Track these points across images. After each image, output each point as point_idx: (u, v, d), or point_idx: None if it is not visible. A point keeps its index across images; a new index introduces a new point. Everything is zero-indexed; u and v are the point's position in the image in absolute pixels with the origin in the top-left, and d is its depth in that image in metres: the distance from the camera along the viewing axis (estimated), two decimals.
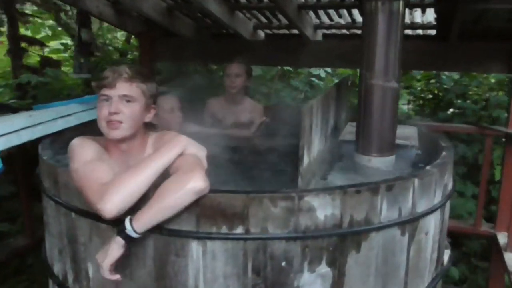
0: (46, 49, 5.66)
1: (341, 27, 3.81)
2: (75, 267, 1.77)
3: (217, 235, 1.49)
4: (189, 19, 4.10)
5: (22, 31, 5.63)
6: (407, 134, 2.38)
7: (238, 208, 1.47)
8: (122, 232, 1.42)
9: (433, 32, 3.70)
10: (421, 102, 5.42)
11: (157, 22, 3.82)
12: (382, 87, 1.92)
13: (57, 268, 1.91)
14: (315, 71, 5.38)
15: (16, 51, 4.74)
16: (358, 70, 4.74)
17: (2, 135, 2.01)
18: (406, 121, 2.86)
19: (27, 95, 4.57)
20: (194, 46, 4.17)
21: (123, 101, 1.63)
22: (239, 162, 2.46)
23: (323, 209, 1.50)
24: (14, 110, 2.71)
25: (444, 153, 2.04)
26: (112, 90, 1.61)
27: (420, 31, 3.81)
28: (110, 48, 5.78)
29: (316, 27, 3.84)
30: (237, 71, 3.14)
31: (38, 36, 5.48)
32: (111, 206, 1.39)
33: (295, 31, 3.93)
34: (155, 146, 1.74)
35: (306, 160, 1.74)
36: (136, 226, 1.41)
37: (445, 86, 5.04)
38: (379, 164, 1.98)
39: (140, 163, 1.50)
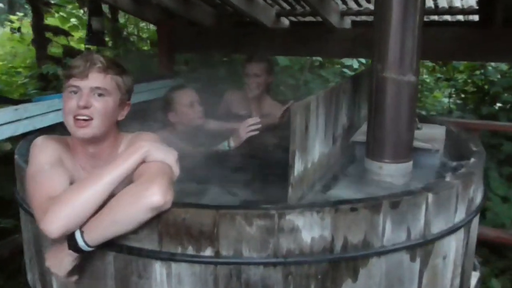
0: (74, 41, 5.62)
1: (370, 13, 3.47)
2: (42, 278, 1.61)
3: (182, 257, 1.27)
4: (209, 7, 3.88)
5: (52, 21, 5.62)
6: (433, 135, 2.06)
7: (207, 226, 1.24)
8: (73, 246, 1.24)
9: (475, 17, 3.29)
10: (463, 95, 4.96)
11: (176, 10, 3.62)
12: (397, 81, 1.61)
13: (29, 277, 1.76)
14: (347, 61, 5.04)
15: (40, 41, 4.69)
16: None
17: None
18: (436, 118, 2.51)
19: (49, 86, 4.51)
20: (214, 35, 3.96)
21: (95, 94, 1.43)
22: (241, 164, 2.21)
23: (309, 230, 1.25)
24: (14, 102, 2.60)
25: (472, 159, 1.72)
26: (83, 81, 1.40)
27: (460, 17, 3.41)
28: (132, 38, 5.65)
29: (343, 14, 3.51)
30: (256, 71, 2.93)
31: (66, 26, 5.42)
32: (54, 227, 1.20)
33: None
34: (128, 147, 1.53)
35: (299, 168, 1.48)
36: (88, 239, 1.22)
37: (490, 79, 4.57)
38: (392, 172, 1.69)
39: (92, 175, 1.30)
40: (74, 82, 1.40)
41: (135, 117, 2.85)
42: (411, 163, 1.73)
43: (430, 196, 1.37)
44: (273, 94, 3.67)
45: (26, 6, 4.53)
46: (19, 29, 6.20)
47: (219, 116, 3.12)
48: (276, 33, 3.75)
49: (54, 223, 1.20)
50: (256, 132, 2.32)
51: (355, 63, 5.07)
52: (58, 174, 1.37)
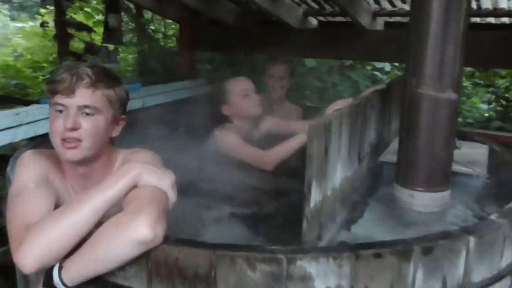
0: (99, 36, 5.52)
1: (405, 14, 3.21)
2: None
3: None
4: (232, 5, 3.69)
5: (78, 17, 5.55)
6: (473, 156, 1.82)
7: (202, 269, 1.06)
8: (47, 283, 1.07)
9: None
10: (504, 102, 4.62)
11: (198, 8, 3.45)
12: (434, 99, 1.39)
13: None
14: (378, 64, 4.77)
15: (62, 36, 4.61)
16: None
17: None
18: (475, 133, 2.24)
19: None
20: (238, 34, 3.76)
21: (83, 113, 1.26)
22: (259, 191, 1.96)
23: (323, 279, 1.05)
24: (24, 103, 2.49)
25: None
26: (70, 99, 1.24)
27: (506, 19, 3.11)
28: (157, 35, 5.51)
29: (376, 14, 3.26)
30: (282, 73, 2.87)
31: (90, 22, 5.34)
32: (28, 261, 1.04)
33: None
34: (122, 166, 1.36)
35: (317, 197, 1.28)
36: (66, 277, 1.06)
37: None
38: (425, 202, 1.47)
39: (73, 200, 1.14)
40: (59, 99, 1.24)
41: (154, 121, 2.77)
42: (448, 192, 1.50)
43: (472, 240, 1.15)
44: (296, 98, 3.48)
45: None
46: (42, 24, 6.16)
47: None
48: (303, 33, 3.53)
49: (29, 256, 1.05)
50: None
51: (387, 66, 4.80)
52: (42, 195, 1.21)
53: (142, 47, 5.43)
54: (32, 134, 1.98)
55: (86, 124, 1.26)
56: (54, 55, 5.64)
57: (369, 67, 5.18)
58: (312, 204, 1.25)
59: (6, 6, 14.49)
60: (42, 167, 1.29)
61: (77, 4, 5.10)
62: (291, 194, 1.82)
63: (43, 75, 5.11)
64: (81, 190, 1.35)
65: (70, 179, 1.36)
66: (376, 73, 4.82)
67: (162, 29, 6.14)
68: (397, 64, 4.90)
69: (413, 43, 1.40)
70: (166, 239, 1.08)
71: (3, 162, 1.84)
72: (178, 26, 6.08)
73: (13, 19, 13.35)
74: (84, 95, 1.25)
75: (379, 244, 1.11)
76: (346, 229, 1.48)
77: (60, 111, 1.26)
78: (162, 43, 5.79)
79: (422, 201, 1.47)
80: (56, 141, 1.27)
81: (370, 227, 1.48)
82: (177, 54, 5.37)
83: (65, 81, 1.23)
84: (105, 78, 1.30)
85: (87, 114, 1.26)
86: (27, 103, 2.47)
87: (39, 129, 2.01)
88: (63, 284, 1.05)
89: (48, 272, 1.07)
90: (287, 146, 2.14)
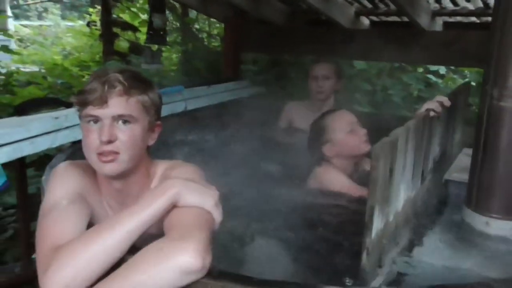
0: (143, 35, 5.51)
1: (468, 13, 2.96)
2: None
3: None
4: (280, 4, 3.54)
5: (124, 16, 5.55)
6: None
7: None
8: None
9: None
10: None
11: (245, 7, 3.33)
12: None
13: None
14: (432, 66, 4.48)
15: (107, 36, 4.61)
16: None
17: (9, 144, 1.67)
18: None
19: None
20: (286, 34, 3.61)
21: (118, 122, 1.15)
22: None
23: None
24: (67, 104, 2.44)
25: None
26: (103, 110, 1.13)
27: None
28: (202, 35, 5.43)
29: (435, 14, 3.03)
30: (326, 72, 2.70)
31: (136, 21, 5.32)
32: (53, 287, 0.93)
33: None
34: (161, 181, 1.25)
35: (378, 226, 1.12)
36: None
37: None
38: (504, 232, 1.27)
39: (106, 221, 1.03)
40: (91, 111, 1.14)
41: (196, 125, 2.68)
42: None
43: None
44: (345, 102, 3.30)
45: None
46: (88, 24, 6.22)
47: (279, 130, 2.84)
48: (355, 34, 3.34)
49: (54, 282, 0.94)
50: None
51: (442, 68, 4.51)
52: (75, 213, 1.12)
53: (186, 46, 5.38)
54: (71, 139, 1.91)
55: (123, 135, 1.15)
56: (100, 54, 5.68)
57: (421, 69, 4.91)
58: (373, 233, 1.09)
59: (58, 5, 15.01)
60: (76, 181, 1.20)
61: (124, 4, 5.09)
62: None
63: (89, 74, 5.14)
64: (118, 206, 1.25)
65: (106, 194, 1.26)
66: (430, 76, 4.53)
67: (207, 28, 6.08)
68: (452, 67, 4.62)
69: (495, 49, 1.21)
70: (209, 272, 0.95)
71: (47, 161, 1.79)
72: (222, 26, 6.08)
73: (64, 18, 13.80)
74: (117, 104, 1.14)
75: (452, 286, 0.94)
76: (407, 255, 1.31)
77: (94, 122, 1.15)
78: (206, 43, 5.71)
79: (499, 230, 1.27)
80: (91, 156, 1.16)
81: (435, 254, 1.30)
82: (221, 54, 5.30)
83: (96, 91, 1.13)
84: (138, 83, 1.19)
85: (123, 123, 1.16)
86: (68, 105, 2.42)
87: (78, 135, 1.92)
88: None
89: None
90: None
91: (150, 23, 3.01)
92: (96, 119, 1.15)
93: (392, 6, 3.08)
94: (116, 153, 1.15)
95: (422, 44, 3.02)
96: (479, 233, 1.30)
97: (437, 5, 2.98)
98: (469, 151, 1.93)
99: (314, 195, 1.90)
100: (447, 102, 1.59)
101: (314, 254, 1.32)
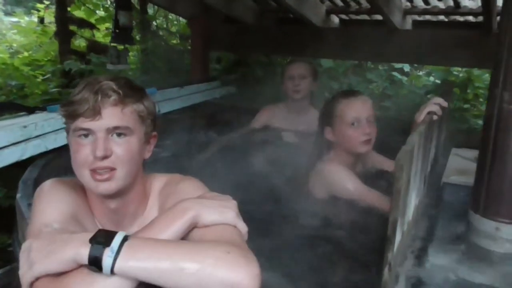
0: (100, 33, 5.28)
1: (438, 12, 3.00)
2: None
3: None
4: (250, 1, 3.47)
5: (78, 13, 5.29)
6: None
7: None
8: (95, 247, 0.83)
9: None
10: None
11: (213, 5, 3.23)
12: None
13: None
14: (397, 64, 4.54)
15: (63, 34, 4.37)
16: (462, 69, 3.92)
17: None
18: None
19: (72, 83, 4.18)
20: (255, 33, 3.55)
21: (113, 135, 1.04)
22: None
23: None
24: (28, 110, 2.25)
25: None
26: (96, 122, 1.01)
27: None
28: (162, 32, 5.25)
29: (406, 12, 3.05)
30: (303, 71, 2.59)
31: (92, 18, 5.09)
32: None
33: (378, 17, 3.18)
34: (162, 200, 1.14)
35: (398, 238, 1.07)
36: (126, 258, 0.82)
37: None
38: None
39: None
40: (82, 124, 1.01)
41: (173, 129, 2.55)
42: None
43: None
44: (317, 101, 3.27)
45: None
46: (42, 20, 5.90)
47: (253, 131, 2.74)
48: (325, 33, 3.31)
49: None
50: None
51: (406, 66, 4.58)
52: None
53: (145, 44, 5.20)
54: (42, 150, 1.76)
55: (119, 149, 1.04)
56: (53, 53, 5.40)
57: (384, 67, 4.97)
58: (395, 248, 1.04)
59: (0, 0, 14.21)
60: (66, 202, 1.07)
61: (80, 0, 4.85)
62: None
63: (43, 74, 4.86)
64: (113, 227, 1.13)
65: (99, 214, 1.13)
66: (395, 73, 4.60)
67: (165, 26, 5.91)
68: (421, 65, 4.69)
69: (505, 52, 1.18)
70: None
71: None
72: (181, 23, 5.92)
73: (7, 13, 13.06)
74: (112, 115, 1.02)
75: None
76: (417, 265, 1.27)
77: (85, 135, 1.03)
78: (166, 41, 5.55)
79: (509, 235, 1.25)
80: (84, 173, 1.04)
81: (445, 264, 1.27)
82: (183, 53, 5.16)
83: (88, 101, 1.00)
84: (133, 91, 1.08)
85: (118, 136, 1.04)
86: (31, 110, 2.24)
87: (50, 144, 1.78)
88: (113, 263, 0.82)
89: (104, 235, 0.85)
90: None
91: (115, 21, 2.84)
92: (88, 133, 1.03)
93: (364, 5, 3.08)
94: (112, 169, 1.04)
95: (394, 43, 3.04)
96: (488, 237, 1.28)
97: (408, 4, 2.99)
98: (459, 151, 1.94)
99: (318, 201, 1.82)
100: (443, 103, 1.58)
101: (328, 269, 1.26)
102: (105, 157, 1.02)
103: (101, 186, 1.03)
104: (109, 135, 1.03)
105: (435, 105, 1.53)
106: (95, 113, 1.01)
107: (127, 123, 1.04)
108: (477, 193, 1.32)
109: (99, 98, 1.01)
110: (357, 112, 1.81)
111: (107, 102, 1.02)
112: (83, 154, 1.02)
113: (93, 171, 1.02)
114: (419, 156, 1.22)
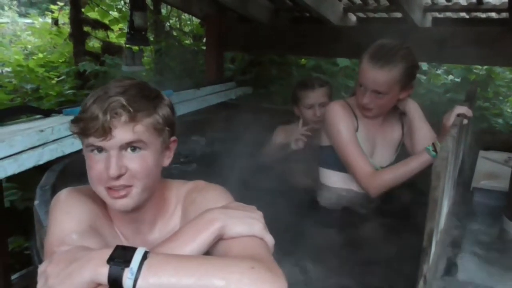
0: (114, 34, 5.26)
1: (460, 9, 2.92)
2: None
3: None
4: (265, 0, 3.42)
5: (92, 14, 5.28)
6: None
7: None
8: (114, 268, 0.80)
9: None
10: None
11: (227, 4, 3.19)
12: None
13: None
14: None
15: (77, 35, 4.36)
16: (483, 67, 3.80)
17: None
18: None
19: (86, 85, 4.17)
20: (270, 32, 3.48)
21: (127, 150, 0.98)
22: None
23: None
24: (45, 113, 2.23)
25: None
26: (107, 141, 0.96)
27: None
28: (175, 32, 5.22)
29: (426, 10, 2.98)
30: (322, 99, 2.28)
31: (106, 19, 5.07)
32: None
33: (397, 15, 3.11)
34: (185, 207, 1.10)
35: (433, 249, 1.01)
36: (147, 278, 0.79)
37: None
38: None
39: None
40: (94, 142, 0.96)
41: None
42: None
43: None
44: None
45: None
46: (56, 22, 5.90)
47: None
48: (341, 31, 3.24)
49: None
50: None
51: (424, 64, 4.49)
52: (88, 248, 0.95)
53: (159, 45, 5.18)
54: (59, 154, 1.72)
55: (134, 165, 0.98)
56: (68, 54, 5.40)
57: None
58: (431, 260, 0.98)
59: (15, 2, 14.35)
60: (85, 211, 1.03)
61: (94, 0, 4.83)
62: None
63: (57, 75, 4.87)
64: (133, 235, 1.10)
65: (118, 222, 1.10)
66: None
67: (178, 26, 5.88)
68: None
69: None
70: None
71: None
72: (194, 23, 5.89)
73: (21, 15, 13.18)
74: (124, 133, 0.96)
75: None
76: (448, 276, 1.21)
77: (98, 152, 0.98)
78: (179, 41, 5.52)
79: None
80: (100, 190, 1.00)
81: (476, 272, 1.21)
82: (197, 53, 5.12)
83: (97, 120, 0.94)
84: (145, 103, 0.99)
85: (133, 151, 0.99)
86: (47, 113, 2.22)
87: (67, 148, 1.75)
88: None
89: (125, 251, 0.82)
90: (404, 168, 1.65)
91: (130, 22, 2.80)
92: (100, 149, 0.98)
93: (383, 2, 3.01)
94: (129, 186, 0.99)
95: (414, 41, 2.95)
96: None
97: (429, 1, 2.92)
98: (487, 154, 1.87)
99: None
100: (468, 112, 1.51)
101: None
102: (119, 176, 0.97)
103: (118, 203, 0.99)
104: (122, 151, 0.98)
105: (464, 107, 1.47)
106: (106, 133, 0.95)
107: (140, 137, 0.98)
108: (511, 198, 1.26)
109: (108, 118, 0.94)
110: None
111: (118, 122, 0.95)
112: (97, 171, 0.98)
113: (109, 189, 0.98)
114: (452, 162, 1.16)
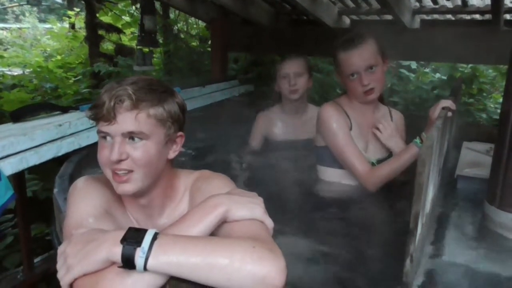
0: (126, 37, 5.27)
1: (446, 11, 2.91)
2: None
3: None
4: (266, 4, 3.41)
5: (106, 18, 5.29)
6: None
7: None
8: (127, 248, 0.80)
9: None
10: None
11: (231, 8, 3.18)
12: None
13: None
14: (404, 61, 4.45)
15: (93, 38, 4.36)
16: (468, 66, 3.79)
17: (13, 154, 1.49)
18: None
19: (101, 84, 4.18)
20: (271, 34, 3.48)
21: (129, 138, 1.00)
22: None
23: None
24: (63, 109, 2.24)
25: None
26: (112, 126, 0.97)
27: None
28: (183, 35, 5.22)
29: (415, 12, 2.97)
30: (298, 68, 2.24)
31: (119, 24, 5.07)
32: None
33: (388, 17, 3.10)
34: (192, 194, 1.11)
35: (419, 231, 1.02)
36: (157, 256, 0.79)
37: None
38: None
39: None
40: (102, 127, 0.98)
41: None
42: None
43: None
44: (329, 97, 3.20)
45: (83, 2, 4.17)
46: (73, 27, 5.91)
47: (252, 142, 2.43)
48: (336, 33, 3.23)
49: None
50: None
51: (413, 63, 4.48)
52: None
53: (168, 47, 5.18)
54: (76, 147, 1.74)
55: (135, 153, 0.99)
56: (84, 56, 5.41)
57: (392, 64, 4.87)
58: (417, 240, 0.99)
59: (35, 8, 14.36)
60: (100, 197, 1.04)
61: (107, 6, 4.83)
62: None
63: (74, 76, 4.88)
64: (144, 219, 1.11)
65: (130, 208, 1.11)
66: (402, 70, 4.50)
67: (185, 29, 5.87)
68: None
69: None
70: None
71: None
72: (201, 26, 5.88)
73: (41, 20, 13.20)
74: (126, 120, 0.97)
75: None
76: (434, 257, 1.22)
77: (105, 138, 1.00)
78: (187, 43, 5.52)
79: None
80: (107, 172, 1.02)
81: (460, 253, 1.21)
82: (203, 54, 5.12)
83: (104, 105, 0.97)
84: (149, 94, 1.00)
85: (134, 140, 0.99)
86: (65, 109, 2.23)
87: (83, 141, 1.76)
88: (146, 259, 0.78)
89: (136, 233, 0.82)
90: (397, 162, 1.62)
91: (141, 26, 2.81)
92: (106, 135, 1.00)
93: (374, 5, 3.00)
94: (130, 171, 1.00)
95: (404, 42, 2.95)
96: (506, 229, 1.22)
97: (417, 4, 2.91)
98: (471, 145, 1.87)
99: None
100: (452, 105, 1.51)
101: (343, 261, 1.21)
102: (120, 161, 0.98)
103: (120, 187, 1.00)
104: (125, 139, 0.99)
105: (449, 100, 1.47)
106: (111, 118, 0.97)
107: (141, 128, 0.99)
108: (493, 186, 1.27)
109: (113, 103, 0.96)
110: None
111: (121, 108, 0.97)
112: (104, 155, 1.00)
113: (114, 172, 1.00)
114: (436, 150, 1.16)
